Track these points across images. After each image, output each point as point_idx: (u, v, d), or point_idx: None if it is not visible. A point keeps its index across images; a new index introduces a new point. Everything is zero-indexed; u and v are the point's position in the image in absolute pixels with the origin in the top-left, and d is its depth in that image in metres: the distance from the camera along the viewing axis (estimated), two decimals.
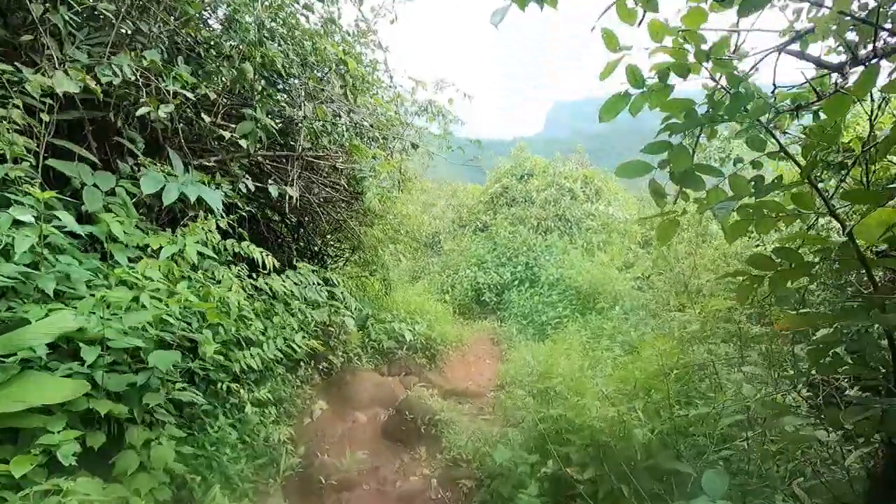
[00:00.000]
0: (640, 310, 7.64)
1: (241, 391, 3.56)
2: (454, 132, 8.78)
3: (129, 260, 2.88)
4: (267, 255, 4.26)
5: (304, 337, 4.17)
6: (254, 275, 4.35)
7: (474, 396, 6.05)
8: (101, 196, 2.94)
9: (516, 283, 9.73)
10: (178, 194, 2.87)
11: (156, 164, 3.21)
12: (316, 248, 6.92)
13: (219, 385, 3.37)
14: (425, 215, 15.33)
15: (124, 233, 2.88)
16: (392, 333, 6.55)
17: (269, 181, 4.72)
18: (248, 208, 4.43)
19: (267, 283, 4.16)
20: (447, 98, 8.52)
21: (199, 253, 3.13)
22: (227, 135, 3.77)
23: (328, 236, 7.16)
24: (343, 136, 6.05)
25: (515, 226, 10.81)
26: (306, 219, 6.54)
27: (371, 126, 6.62)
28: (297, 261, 6.34)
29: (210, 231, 3.47)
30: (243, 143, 4.32)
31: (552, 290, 8.49)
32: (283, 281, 4.60)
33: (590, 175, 12.29)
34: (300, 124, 5.22)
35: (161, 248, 2.94)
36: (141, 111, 2.92)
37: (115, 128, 3.65)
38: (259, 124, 4.39)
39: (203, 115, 4.28)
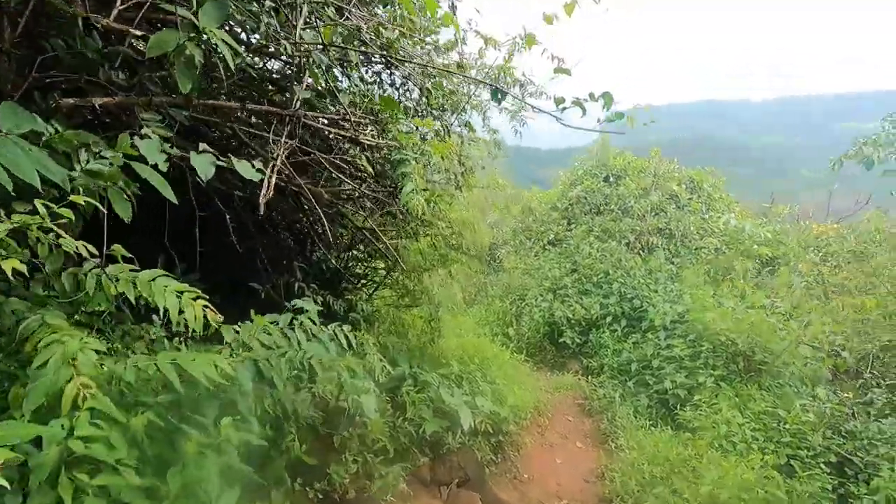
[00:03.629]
0: (823, 385, 4.87)
1: None
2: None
3: None
4: (196, 302, 2.01)
5: None
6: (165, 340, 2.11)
7: None
8: None
9: (608, 319, 7.10)
10: None
11: None
12: (333, 268, 4.67)
13: None
14: (481, 223, 12.96)
15: None
16: (440, 407, 4.18)
17: (246, 159, 2.50)
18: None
19: (175, 362, 1.87)
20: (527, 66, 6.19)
21: None
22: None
23: (350, 251, 4.91)
24: (372, 93, 3.82)
25: (605, 241, 8.17)
26: (316, 225, 4.36)
27: (424, 87, 4.39)
28: (300, 287, 4.18)
29: None
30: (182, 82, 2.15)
31: (672, 337, 5.82)
32: (235, 348, 2.36)
33: (698, 177, 9.46)
34: (297, 60, 3.00)
35: None
36: None
37: None
38: (198, 41, 2.13)
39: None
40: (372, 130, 3.98)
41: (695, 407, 4.74)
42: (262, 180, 2.48)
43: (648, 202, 8.29)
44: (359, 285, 5.17)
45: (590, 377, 6.43)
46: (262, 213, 2.64)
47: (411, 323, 5.15)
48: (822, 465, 3.79)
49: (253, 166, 2.26)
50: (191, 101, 2.47)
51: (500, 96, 2.90)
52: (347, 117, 3.39)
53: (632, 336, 6.41)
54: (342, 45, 2.87)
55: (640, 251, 8.13)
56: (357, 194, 3.89)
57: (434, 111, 4.94)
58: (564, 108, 2.90)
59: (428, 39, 4.83)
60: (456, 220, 5.34)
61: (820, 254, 8.54)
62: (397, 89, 5.02)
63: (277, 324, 2.67)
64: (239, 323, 2.60)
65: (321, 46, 2.66)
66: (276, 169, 2.72)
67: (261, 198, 2.64)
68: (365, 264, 5.39)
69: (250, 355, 2.29)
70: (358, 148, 3.81)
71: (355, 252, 5.03)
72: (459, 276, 9.26)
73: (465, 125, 5.15)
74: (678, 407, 5.01)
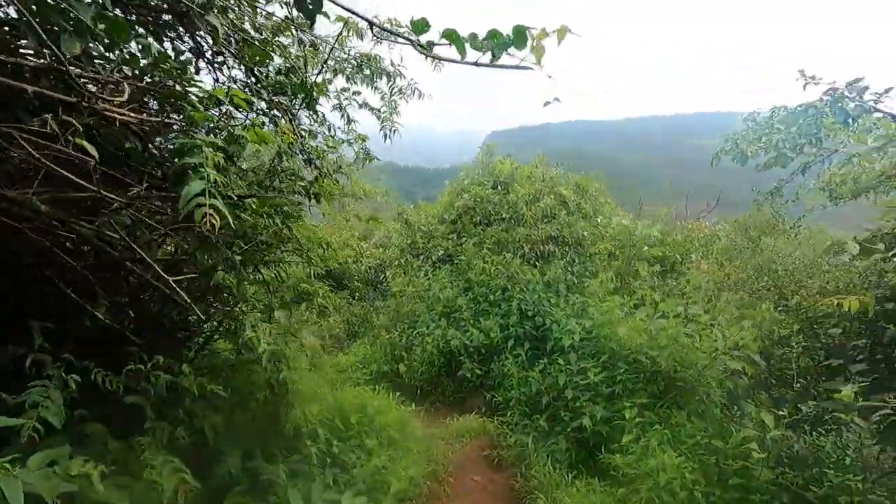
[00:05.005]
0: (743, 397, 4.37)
1: None
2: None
3: None
4: None
5: None
6: None
7: None
8: None
9: (510, 343, 6.20)
10: None
11: None
12: (108, 325, 3.03)
13: None
14: (365, 242, 11.69)
15: None
16: None
17: None
18: None
19: None
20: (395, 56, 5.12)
21: None
22: None
23: (148, 294, 3.31)
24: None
25: (499, 253, 7.35)
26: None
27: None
28: (35, 363, 2.62)
29: None
30: None
31: (583, 359, 5.03)
32: None
33: (584, 183, 9.16)
34: None
35: None
36: None
37: None
38: None
39: None
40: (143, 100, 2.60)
41: (622, 449, 3.88)
42: None
43: (539, 208, 7.67)
44: (170, 343, 3.58)
45: (496, 416, 5.41)
46: None
47: (257, 388, 3.67)
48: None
49: None
50: None
51: (311, 3, 1.67)
52: (62, 68, 1.94)
53: (538, 361, 5.52)
54: None
55: (536, 261, 7.45)
56: (116, 204, 2.39)
57: (266, 90, 3.65)
58: (431, 44, 1.79)
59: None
60: (313, 238, 4.01)
61: (701, 251, 8.63)
62: (211, 63, 3.67)
63: None
64: None
65: None
66: None
67: None
68: (185, 311, 3.81)
69: None
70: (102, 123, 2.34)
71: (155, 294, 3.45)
72: (331, 311, 7.83)
73: (309, 111, 3.91)
74: (601, 448, 4.15)
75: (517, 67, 1.48)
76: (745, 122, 7.39)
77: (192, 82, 2.71)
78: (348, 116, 4.79)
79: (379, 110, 4.98)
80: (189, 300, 2.43)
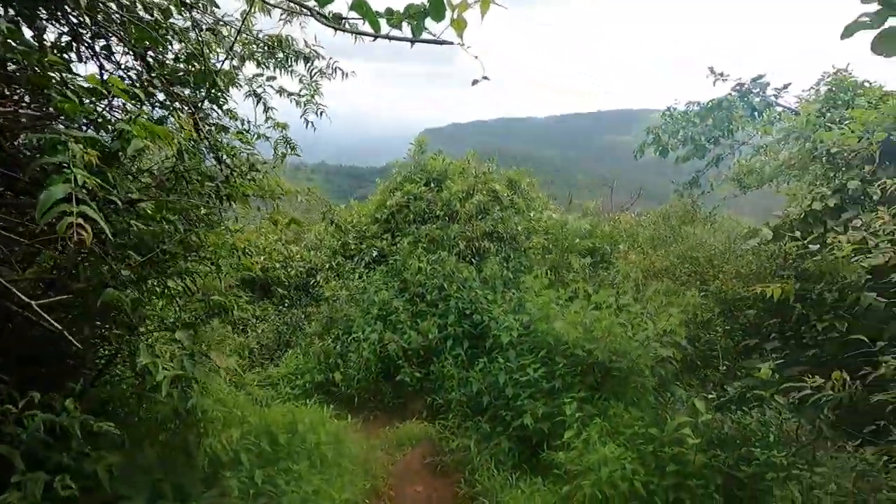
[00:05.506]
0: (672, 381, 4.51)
1: None
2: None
3: None
4: None
5: None
6: None
7: None
8: None
9: (449, 343, 6.06)
10: None
11: None
12: None
13: None
14: (295, 246, 11.09)
15: None
16: None
17: None
18: None
19: None
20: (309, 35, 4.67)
21: None
22: None
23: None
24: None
25: (435, 251, 7.18)
26: None
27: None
28: None
29: None
30: None
31: (522, 355, 4.98)
32: None
33: (516, 177, 9.22)
34: None
35: None
36: None
37: None
38: None
39: None
40: None
41: (564, 445, 3.85)
42: None
43: (473, 204, 7.60)
44: (54, 375, 3.06)
45: (437, 420, 5.24)
46: None
47: (165, 418, 3.23)
48: (715, 495, 3.17)
49: None
50: None
51: None
52: None
53: (478, 360, 5.43)
54: None
55: (472, 258, 7.37)
56: None
57: (163, 79, 3.22)
58: (340, 17, 1.55)
59: None
60: (223, 245, 3.61)
61: (628, 242, 8.96)
62: (91, 48, 3.20)
63: None
64: None
65: None
66: None
67: None
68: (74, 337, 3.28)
69: None
70: None
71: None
72: (254, 322, 7.34)
73: (214, 103, 3.51)
74: (544, 446, 4.10)
75: (436, 42, 1.29)
76: (662, 117, 7.75)
77: (57, 67, 2.28)
78: (265, 104, 4.36)
79: (299, 93, 4.55)
80: (62, 326, 2.02)
